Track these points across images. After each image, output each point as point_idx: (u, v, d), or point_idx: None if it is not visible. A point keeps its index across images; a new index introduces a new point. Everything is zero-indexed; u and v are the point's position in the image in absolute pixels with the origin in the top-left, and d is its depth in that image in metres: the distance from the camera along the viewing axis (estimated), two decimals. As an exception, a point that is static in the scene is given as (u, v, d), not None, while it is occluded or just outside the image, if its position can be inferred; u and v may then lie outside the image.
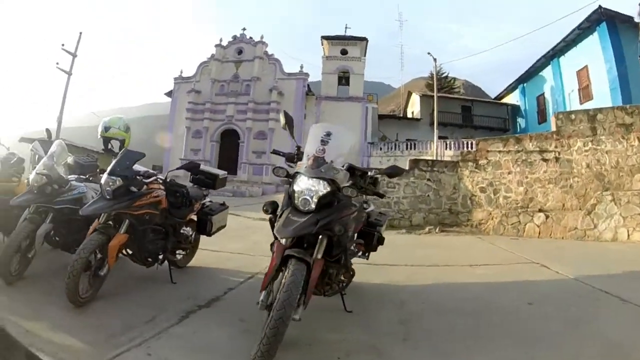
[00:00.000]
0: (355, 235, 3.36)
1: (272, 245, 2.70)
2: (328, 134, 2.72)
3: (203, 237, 4.74)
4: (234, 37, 29.59)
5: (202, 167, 4.69)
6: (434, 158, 19.20)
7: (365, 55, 30.65)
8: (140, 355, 2.35)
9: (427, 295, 3.95)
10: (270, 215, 2.79)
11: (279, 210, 2.69)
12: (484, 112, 31.06)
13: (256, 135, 27.22)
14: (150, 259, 3.75)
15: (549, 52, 22.40)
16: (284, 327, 2.14)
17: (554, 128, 8.76)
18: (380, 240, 3.68)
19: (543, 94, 24.70)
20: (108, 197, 3.34)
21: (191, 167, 4.18)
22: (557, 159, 8.49)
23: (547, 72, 23.74)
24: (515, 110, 29.82)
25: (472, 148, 14.11)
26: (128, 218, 3.39)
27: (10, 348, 2.46)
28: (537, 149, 8.74)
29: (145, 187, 3.60)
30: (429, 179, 9.88)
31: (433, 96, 24.40)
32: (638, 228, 7.18)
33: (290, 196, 2.60)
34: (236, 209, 10.29)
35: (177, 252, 4.36)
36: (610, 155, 7.98)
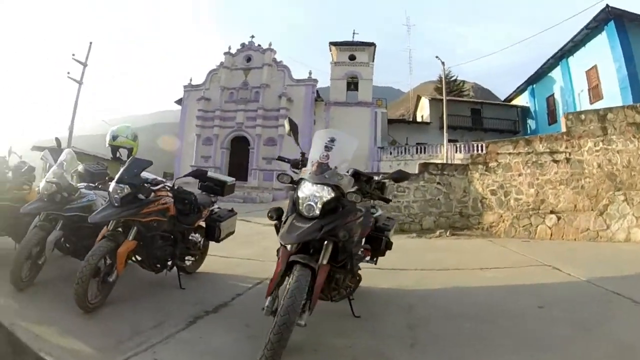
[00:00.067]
0: (363, 240, 3.35)
1: (278, 251, 2.70)
2: (332, 140, 2.71)
3: (213, 243, 4.75)
4: (243, 44, 29.91)
5: (210, 174, 4.72)
6: (444, 161, 19.13)
7: (373, 61, 30.70)
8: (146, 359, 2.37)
9: (436, 299, 3.92)
10: (275, 222, 2.80)
11: (283, 216, 2.69)
12: (493, 114, 30.87)
13: (266, 142, 27.36)
14: (158, 265, 3.78)
15: (557, 52, 22.26)
16: (287, 333, 2.14)
17: (564, 129, 8.66)
18: (389, 245, 3.66)
19: (553, 94, 24.51)
20: (116, 204, 3.38)
21: (198, 174, 4.21)
22: (567, 160, 8.39)
23: (556, 73, 23.58)
24: (525, 111, 29.60)
25: (482, 151, 14.02)
26: (136, 225, 3.42)
27: (20, 352, 2.51)
28: (548, 150, 8.65)
29: (153, 194, 3.63)
30: (439, 183, 9.82)
31: (442, 100, 24.33)
32: (651, 228, 7.06)
33: (294, 202, 2.60)
34: (247, 215, 10.32)
35: (186, 258, 4.38)
36: (621, 155, 7.86)
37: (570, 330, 2.94)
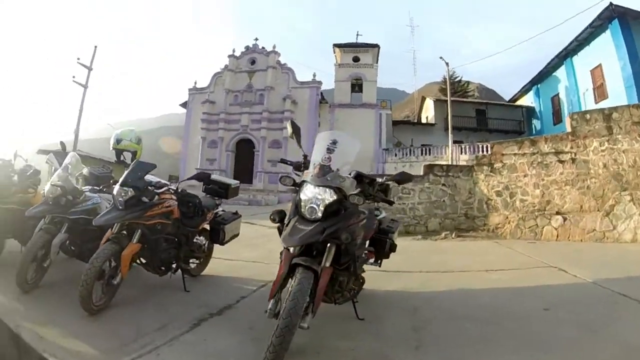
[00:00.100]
0: (367, 242, 3.34)
1: (281, 253, 2.70)
2: (334, 142, 2.71)
3: (218, 246, 4.76)
4: (247, 47, 30.01)
5: (214, 176, 4.75)
6: (449, 163, 19.06)
7: (377, 62, 30.68)
8: (149, 361, 2.38)
9: (441, 301, 3.89)
10: (278, 224, 2.80)
11: (286, 219, 2.69)
12: (498, 115, 30.70)
13: (271, 144, 27.40)
14: (163, 268, 3.80)
15: (561, 52, 22.05)
16: (290, 335, 2.14)
17: (569, 129, 8.59)
18: (393, 247, 3.64)
19: (557, 94, 24.33)
20: (120, 207, 3.41)
21: (202, 177, 4.24)
22: (573, 160, 8.32)
23: (561, 72, 23.39)
24: (530, 112, 29.40)
25: (487, 152, 13.96)
26: (140, 228, 3.45)
27: (25, 353, 2.54)
28: (553, 150, 8.58)
29: (156, 197, 3.66)
30: (444, 184, 9.78)
31: (447, 101, 24.26)
32: (659, 229, 6.99)
33: (297, 205, 2.61)
34: (252, 218, 10.35)
35: (191, 260, 4.40)
36: (627, 155, 7.77)
37: (576, 332, 2.92)
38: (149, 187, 3.60)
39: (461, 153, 23.48)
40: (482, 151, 19.86)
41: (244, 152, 28.12)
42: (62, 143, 4.97)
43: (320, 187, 2.53)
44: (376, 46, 30.50)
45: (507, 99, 35.77)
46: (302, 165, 3.00)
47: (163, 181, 3.83)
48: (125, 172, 3.60)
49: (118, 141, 4.29)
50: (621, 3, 17.13)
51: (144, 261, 3.68)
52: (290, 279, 2.42)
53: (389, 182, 3.35)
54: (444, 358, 2.59)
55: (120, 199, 3.41)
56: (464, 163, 16.51)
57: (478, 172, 9.55)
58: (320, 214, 2.48)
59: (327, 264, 2.48)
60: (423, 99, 37.58)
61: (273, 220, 2.78)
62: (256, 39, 30.16)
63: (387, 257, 3.70)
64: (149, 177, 3.69)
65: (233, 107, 28.65)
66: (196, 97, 30.10)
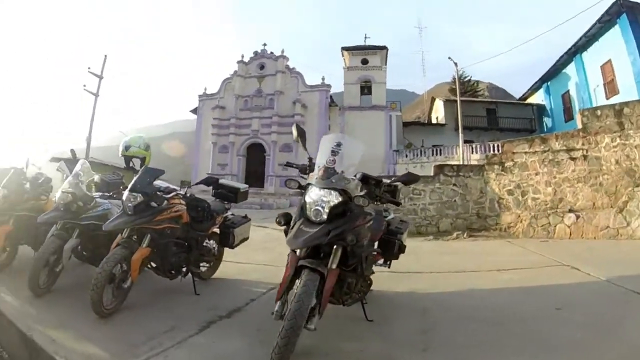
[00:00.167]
0: (375, 244, 3.34)
1: (289, 256, 2.72)
2: (338, 145, 2.72)
3: (230, 250, 4.80)
4: (255, 52, 30.16)
5: (223, 181, 4.79)
6: (460, 163, 18.93)
7: (386, 64, 30.64)
8: (158, 363, 2.40)
9: (451, 303, 3.85)
10: (284, 227, 2.81)
11: (292, 221, 2.70)
12: (509, 113, 30.47)
13: (282, 148, 27.43)
14: (173, 272, 3.84)
15: (570, 48, 21.81)
16: (295, 337, 2.16)
17: (579, 125, 8.47)
18: (402, 249, 3.63)
19: (568, 91, 24.07)
20: (129, 212, 3.46)
21: (210, 181, 4.28)
22: (585, 157, 8.20)
23: (571, 69, 23.13)
24: (541, 109, 29.13)
25: (498, 151, 13.85)
26: (150, 232, 3.49)
27: (36, 356, 2.59)
28: (564, 147, 8.48)
29: (165, 202, 3.70)
30: (454, 184, 9.73)
31: (457, 101, 24.11)
32: (674, 224, 6.87)
33: (302, 207, 2.61)
34: (263, 221, 10.35)
35: (201, 264, 4.43)
36: (639, 150, 7.68)
37: (587, 331, 2.87)
38: (158, 193, 3.65)
39: (472, 153, 23.29)
40: (493, 150, 19.73)
41: (255, 156, 28.21)
42: (72, 151, 5.07)
43: (325, 189, 2.53)
44: (384, 48, 30.48)
45: (517, 97, 35.47)
46: (307, 168, 3.01)
47: (172, 186, 3.88)
48: (134, 178, 3.65)
49: (127, 148, 4.33)
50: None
51: (154, 265, 3.73)
52: (296, 281, 2.43)
53: (397, 183, 3.34)
54: (452, 360, 2.57)
55: (130, 204, 3.46)
56: (475, 162, 16.35)
57: (489, 171, 9.48)
58: (325, 216, 2.48)
59: (334, 266, 2.48)
60: (433, 100, 37.43)
61: (279, 223, 2.80)
62: (264, 44, 30.32)
63: (396, 258, 3.68)
64: (157, 183, 3.74)
65: (243, 112, 28.78)
66: (206, 103, 30.31)
